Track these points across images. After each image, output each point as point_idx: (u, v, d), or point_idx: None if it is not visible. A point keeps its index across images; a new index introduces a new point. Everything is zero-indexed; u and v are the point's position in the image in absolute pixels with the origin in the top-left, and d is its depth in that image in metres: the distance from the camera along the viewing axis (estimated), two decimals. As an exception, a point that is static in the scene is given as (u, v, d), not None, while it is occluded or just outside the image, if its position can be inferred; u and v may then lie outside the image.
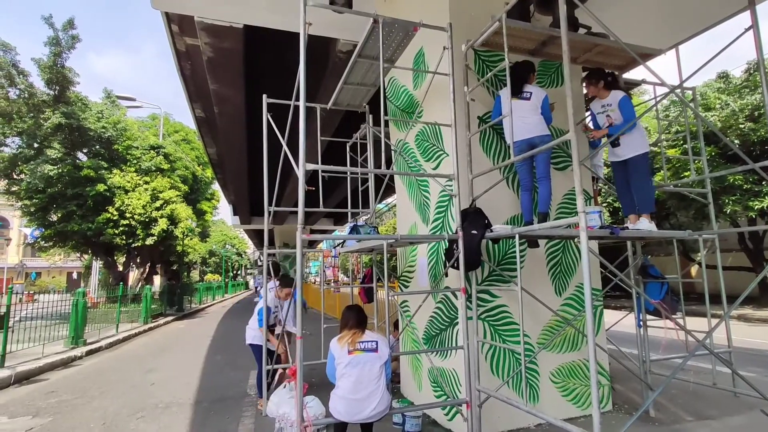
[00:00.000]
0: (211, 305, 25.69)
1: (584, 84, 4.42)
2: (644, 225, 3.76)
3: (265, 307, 4.76)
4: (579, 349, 4.36)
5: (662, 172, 6.61)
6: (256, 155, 14.55)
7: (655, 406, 4.25)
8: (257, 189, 19.12)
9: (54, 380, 6.73)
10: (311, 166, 3.24)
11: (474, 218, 3.71)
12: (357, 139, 6.47)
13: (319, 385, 4.98)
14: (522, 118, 3.82)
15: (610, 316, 5.11)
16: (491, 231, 3.70)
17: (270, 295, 4.95)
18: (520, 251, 4.25)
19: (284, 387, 4.39)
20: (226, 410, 4.92)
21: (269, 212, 5.08)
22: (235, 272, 50.95)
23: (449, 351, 4.07)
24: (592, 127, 4.32)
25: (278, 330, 5.00)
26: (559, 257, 4.43)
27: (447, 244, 3.84)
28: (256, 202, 22.41)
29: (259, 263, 77.96)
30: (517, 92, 3.90)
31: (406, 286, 5.09)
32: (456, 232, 3.58)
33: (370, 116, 5.85)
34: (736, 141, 11.52)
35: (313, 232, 30.94)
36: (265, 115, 5.12)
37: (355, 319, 3.17)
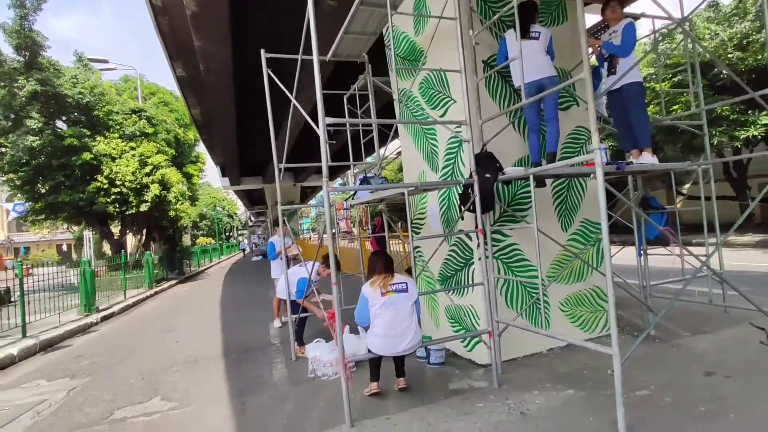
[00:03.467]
0: (209, 267, 26.01)
1: (603, 11, 4.34)
2: (647, 159, 3.92)
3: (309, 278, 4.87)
4: (584, 280, 4.67)
5: (659, 106, 6.73)
6: (246, 113, 14.25)
7: (655, 325, 4.63)
8: (247, 148, 18.86)
9: (78, 345, 6.97)
10: (331, 120, 3.28)
11: (486, 162, 3.83)
12: (356, 90, 6.43)
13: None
14: (531, 60, 3.84)
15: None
16: (503, 174, 3.85)
17: (307, 270, 5.05)
18: (524, 192, 4.47)
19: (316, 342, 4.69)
20: (255, 359, 5.22)
21: (279, 169, 5.14)
22: (227, 234, 51.04)
23: (466, 289, 4.34)
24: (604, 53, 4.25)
25: (316, 299, 5.16)
26: (564, 195, 4.62)
27: (461, 188, 3.98)
28: (247, 162, 22.19)
29: (250, 224, 77.96)
30: (524, 33, 3.91)
31: (418, 233, 5.29)
32: (471, 177, 3.70)
33: (370, 66, 5.80)
34: (724, 72, 11.58)
35: (304, 188, 30.88)
36: (265, 71, 5.06)
37: (383, 263, 3.37)
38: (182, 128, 21.59)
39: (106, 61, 18.87)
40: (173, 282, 16.36)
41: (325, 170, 3.30)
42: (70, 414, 3.99)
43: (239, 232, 69.68)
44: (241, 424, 3.45)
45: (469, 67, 4.02)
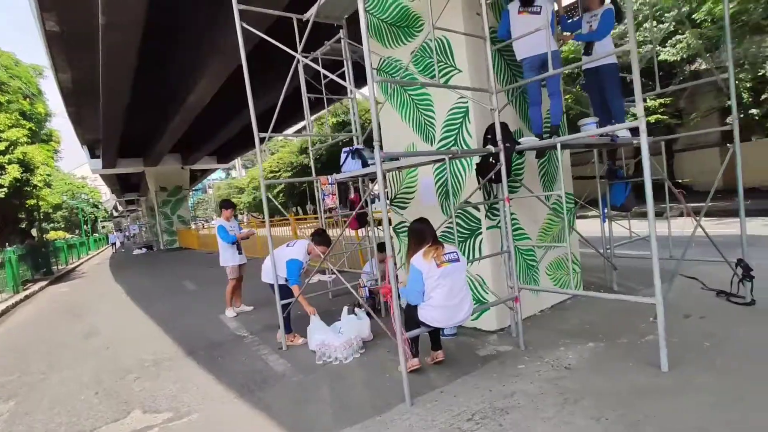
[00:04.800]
0: (78, 264, 22.31)
1: None
2: (624, 134, 4.37)
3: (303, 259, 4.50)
4: (563, 245, 5.07)
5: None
6: (144, 81, 12.39)
7: (618, 281, 5.25)
8: (132, 124, 16.44)
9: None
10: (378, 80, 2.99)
11: (504, 133, 3.89)
12: (319, 55, 5.96)
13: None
14: (534, 34, 3.95)
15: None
16: (519, 144, 3.95)
17: (300, 250, 4.57)
18: (519, 164, 4.66)
19: (313, 319, 4.33)
20: (233, 354, 4.64)
21: (261, 139, 4.58)
22: (92, 226, 44.08)
23: (473, 259, 4.39)
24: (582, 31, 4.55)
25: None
26: (545, 167, 4.93)
27: (480, 158, 3.99)
28: (131, 140, 19.33)
29: (116, 214, 68.48)
30: (527, 5, 4.01)
31: (404, 208, 5.18)
32: (497, 146, 3.73)
33: (344, 31, 5.42)
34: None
35: (194, 172, 28.21)
36: (239, 23, 4.42)
37: (432, 233, 3.23)
38: (27, 99, 17.76)
39: None
40: (43, 284, 13.68)
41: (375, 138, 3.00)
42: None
43: (102, 223, 61.05)
44: (283, 418, 3.06)
45: (479, 33, 4.00)
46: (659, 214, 6.65)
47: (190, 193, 35.69)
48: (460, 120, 4.32)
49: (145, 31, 8.71)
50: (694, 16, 10.71)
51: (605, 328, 3.99)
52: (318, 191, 6.13)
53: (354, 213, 5.11)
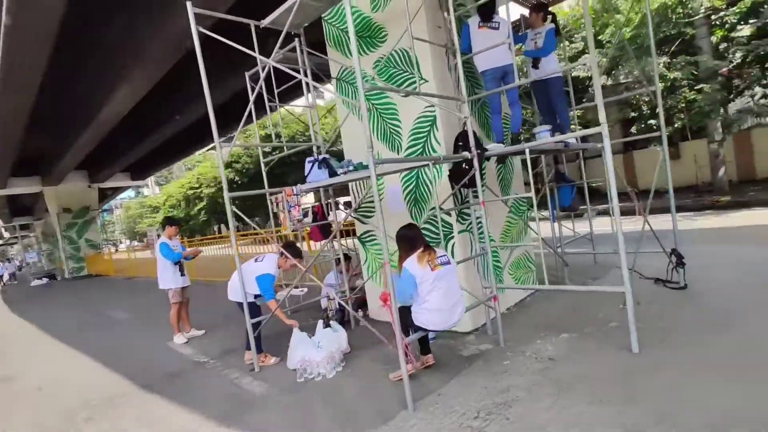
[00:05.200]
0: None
1: (530, 15, 5.01)
2: (572, 141, 4.80)
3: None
4: (520, 246, 5.39)
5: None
6: (54, 84, 11.12)
7: (569, 276, 5.68)
8: (37, 140, 14.64)
9: None
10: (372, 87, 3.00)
11: (470, 140, 4.08)
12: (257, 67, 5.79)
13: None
14: (494, 47, 4.23)
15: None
16: (486, 150, 4.16)
17: (271, 264, 4.34)
18: (482, 169, 4.90)
19: (296, 333, 4.15)
20: (197, 381, 4.29)
21: (226, 139, 4.32)
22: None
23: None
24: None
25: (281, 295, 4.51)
26: (502, 173, 5.23)
27: (452, 164, 4.13)
28: (28, 158, 17.18)
29: (1, 242, 59.93)
30: (487, 20, 4.29)
31: (368, 217, 5.17)
32: (471, 152, 3.89)
33: (296, 39, 5.33)
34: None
35: (103, 191, 25.70)
36: (194, 26, 4.17)
37: (422, 238, 3.28)
38: None
39: None
40: None
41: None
42: None
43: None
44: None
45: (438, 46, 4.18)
46: (579, 216, 7.34)
47: (99, 214, 32.36)
48: (428, 128, 4.45)
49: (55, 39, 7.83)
50: (600, 37, 12.11)
51: (571, 320, 4.30)
52: (271, 204, 5.92)
53: (313, 225, 5.02)
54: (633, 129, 12.55)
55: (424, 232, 4.54)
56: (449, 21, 4.49)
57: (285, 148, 5.87)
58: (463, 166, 3.99)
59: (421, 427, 2.79)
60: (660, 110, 4.86)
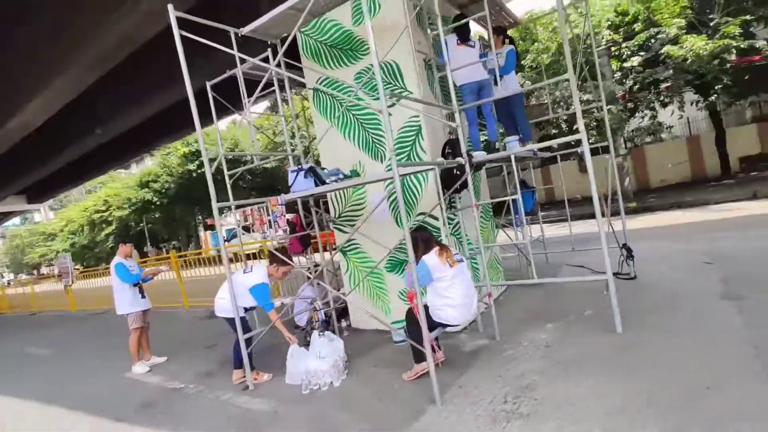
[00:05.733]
0: None
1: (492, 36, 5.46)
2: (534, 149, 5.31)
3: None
4: (491, 248, 5.74)
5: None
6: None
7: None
8: None
9: None
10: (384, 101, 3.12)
11: (458, 147, 4.35)
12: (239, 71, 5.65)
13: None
14: (472, 63, 4.60)
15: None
16: (473, 157, 4.45)
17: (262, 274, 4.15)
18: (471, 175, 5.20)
19: (293, 348, 4.03)
20: (180, 409, 3.96)
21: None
22: None
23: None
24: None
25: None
26: (475, 181, 5.58)
27: (441, 170, 4.35)
28: None
29: None
30: (465, 40, 4.66)
31: (351, 226, 5.21)
32: (465, 158, 4.15)
33: (269, 49, 5.29)
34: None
35: (-7, 215, 22.50)
36: (176, 30, 3.99)
37: (434, 238, 3.44)
38: None
39: None
40: None
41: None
42: None
43: None
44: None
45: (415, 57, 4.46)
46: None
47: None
48: (413, 137, 4.65)
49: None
50: (522, 62, 13.41)
51: (548, 312, 4.68)
52: (239, 216, 5.71)
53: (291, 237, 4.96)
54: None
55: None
56: (430, 38, 4.80)
57: (271, 157, 5.71)
58: (455, 171, 4.23)
59: (457, 417, 2.89)
60: (607, 127, 5.51)
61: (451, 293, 3.25)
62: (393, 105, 4.60)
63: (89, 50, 7.53)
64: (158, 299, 9.23)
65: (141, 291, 5.37)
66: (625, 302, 4.45)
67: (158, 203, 26.15)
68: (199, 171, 23.13)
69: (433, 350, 3.71)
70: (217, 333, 6.14)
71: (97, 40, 7.22)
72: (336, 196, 5.32)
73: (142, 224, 31.88)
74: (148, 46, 7.47)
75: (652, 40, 12.64)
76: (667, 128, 15.51)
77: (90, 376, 5.57)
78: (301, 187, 4.53)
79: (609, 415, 2.61)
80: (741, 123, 17.21)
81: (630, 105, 14.62)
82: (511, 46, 5.25)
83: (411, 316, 3.44)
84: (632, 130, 15.26)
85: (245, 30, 4.58)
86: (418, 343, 3.45)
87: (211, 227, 39.05)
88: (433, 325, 3.35)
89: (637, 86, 13.77)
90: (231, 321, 4.14)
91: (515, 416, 2.77)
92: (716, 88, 13.18)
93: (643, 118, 15.35)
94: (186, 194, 25.45)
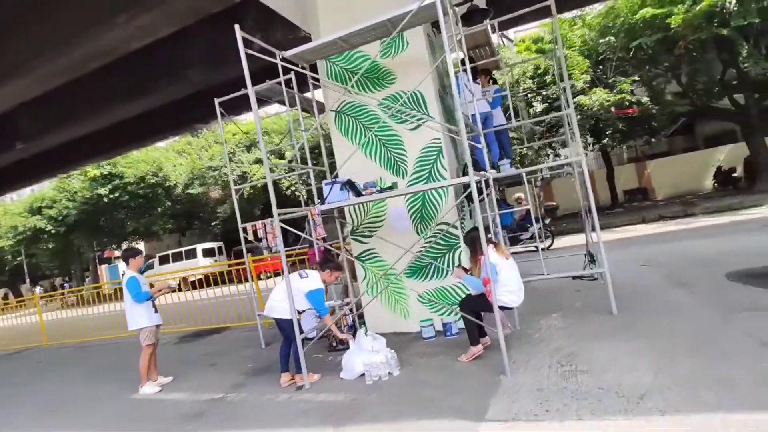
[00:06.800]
0: None
1: (480, 75, 6.44)
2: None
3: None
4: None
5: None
6: None
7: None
8: None
9: None
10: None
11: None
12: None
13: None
14: (479, 98, 5.53)
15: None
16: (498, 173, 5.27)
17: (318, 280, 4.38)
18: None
19: (350, 343, 4.32)
20: (235, 416, 3.98)
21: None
22: None
23: (448, 271, 5.29)
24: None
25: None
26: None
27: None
28: None
29: None
30: (475, 79, 5.59)
31: (369, 237, 5.64)
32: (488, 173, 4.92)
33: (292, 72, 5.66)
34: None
35: None
36: (242, 49, 4.27)
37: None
38: None
39: None
40: None
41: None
42: None
43: None
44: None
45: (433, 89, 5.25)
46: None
47: None
48: (434, 156, 5.33)
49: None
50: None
51: (544, 306, 5.53)
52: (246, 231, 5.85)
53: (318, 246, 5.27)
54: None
55: (431, 244, 5.34)
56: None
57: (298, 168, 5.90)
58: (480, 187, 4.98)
59: (532, 381, 3.47)
60: (578, 139, 6.73)
61: (508, 282, 3.91)
62: (417, 127, 5.30)
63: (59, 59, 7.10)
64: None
65: (154, 305, 5.17)
66: (602, 296, 5.49)
67: (53, 232, 23.05)
68: (111, 196, 21.10)
69: (482, 335, 4.33)
70: (201, 354, 6.17)
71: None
72: (355, 209, 5.74)
73: (20, 258, 27.68)
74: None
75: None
76: (568, 165, 18.34)
77: (102, 401, 5.09)
78: (336, 198, 4.94)
79: (651, 361, 3.42)
80: (620, 163, 20.92)
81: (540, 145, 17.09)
82: (496, 86, 6.32)
83: (470, 303, 4.02)
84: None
85: (289, 53, 4.94)
86: (475, 327, 4.02)
87: (107, 260, 35.05)
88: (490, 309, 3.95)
89: (544, 129, 16.24)
90: (284, 323, 4.30)
91: (579, 372, 3.46)
92: (607, 132, 16.08)
93: (547, 156, 17.96)
94: (90, 221, 22.90)
